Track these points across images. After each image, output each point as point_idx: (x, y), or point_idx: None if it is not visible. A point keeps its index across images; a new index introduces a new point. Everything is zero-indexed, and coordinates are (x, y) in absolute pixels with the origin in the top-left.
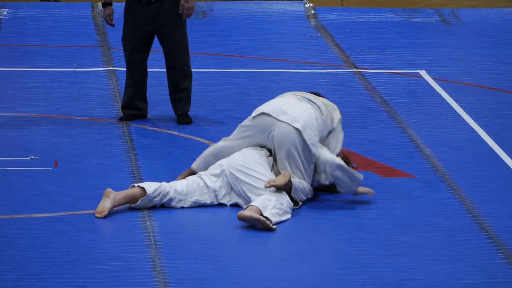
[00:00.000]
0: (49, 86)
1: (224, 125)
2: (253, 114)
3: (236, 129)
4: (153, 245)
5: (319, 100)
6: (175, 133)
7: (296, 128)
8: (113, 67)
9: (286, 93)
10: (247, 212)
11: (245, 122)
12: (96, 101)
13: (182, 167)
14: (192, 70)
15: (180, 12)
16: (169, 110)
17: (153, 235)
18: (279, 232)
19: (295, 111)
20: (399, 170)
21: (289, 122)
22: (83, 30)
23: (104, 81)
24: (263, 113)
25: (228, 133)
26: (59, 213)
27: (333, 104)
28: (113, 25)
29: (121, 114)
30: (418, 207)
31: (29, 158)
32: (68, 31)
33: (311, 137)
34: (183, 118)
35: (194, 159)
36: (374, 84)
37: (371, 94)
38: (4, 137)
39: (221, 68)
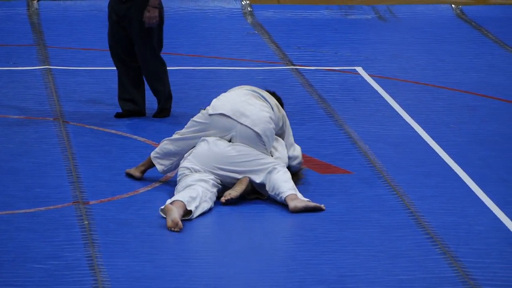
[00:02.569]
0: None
1: (161, 122)
2: (210, 111)
3: (190, 123)
4: (91, 244)
5: (272, 100)
6: (113, 131)
7: (256, 132)
8: (49, 65)
9: (241, 87)
10: (299, 204)
11: (199, 118)
12: (32, 99)
13: (120, 166)
14: None
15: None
16: (105, 108)
17: (91, 234)
18: (217, 230)
19: (253, 112)
20: (336, 167)
21: (249, 126)
22: (18, 28)
23: (40, 80)
24: (222, 114)
25: (167, 132)
26: None
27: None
28: None
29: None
30: (356, 204)
31: None
32: (4, 29)
33: (269, 141)
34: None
35: (131, 157)
36: (311, 81)
37: (308, 91)
38: None
39: None
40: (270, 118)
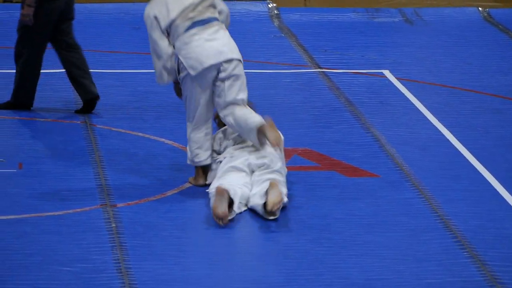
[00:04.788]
0: (11, 88)
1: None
2: (192, 73)
3: (188, 103)
4: (119, 246)
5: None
6: (140, 134)
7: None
8: None
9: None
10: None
11: (189, 90)
12: (60, 102)
13: (147, 168)
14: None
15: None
16: (132, 112)
17: (118, 236)
18: (244, 234)
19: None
20: (364, 170)
21: (233, 58)
22: None
23: (67, 83)
24: (205, 68)
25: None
26: (23, 215)
27: None
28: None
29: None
30: (383, 207)
31: None
32: None
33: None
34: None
35: (158, 160)
36: (338, 84)
37: (335, 94)
38: None
39: None
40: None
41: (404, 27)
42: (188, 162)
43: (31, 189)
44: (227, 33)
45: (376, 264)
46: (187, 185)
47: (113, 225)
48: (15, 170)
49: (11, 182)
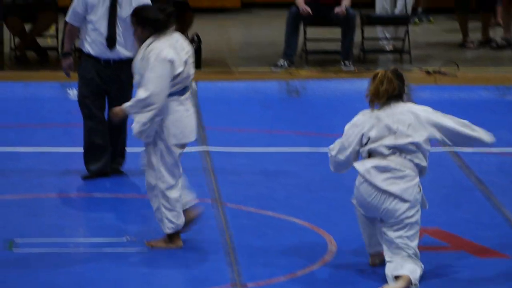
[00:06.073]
0: None
1: (318, 203)
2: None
3: None
4: None
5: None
6: (269, 213)
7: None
8: (207, 147)
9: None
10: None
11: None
12: (190, 181)
13: (276, 248)
14: (287, 149)
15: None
16: (263, 190)
17: None
18: None
19: None
20: (495, 251)
21: None
22: None
23: (198, 161)
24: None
25: (324, 213)
26: None
27: None
28: (70, 77)
29: None
30: None
31: (124, 239)
32: None
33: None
34: (113, 170)
35: (288, 240)
36: (468, 163)
37: (465, 173)
38: (99, 218)
39: (314, 147)
40: None
41: None
42: (170, 230)
43: (162, 268)
44: None
45: None
46: (319, 264)
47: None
48: (146, 249)
49: (143, 261)
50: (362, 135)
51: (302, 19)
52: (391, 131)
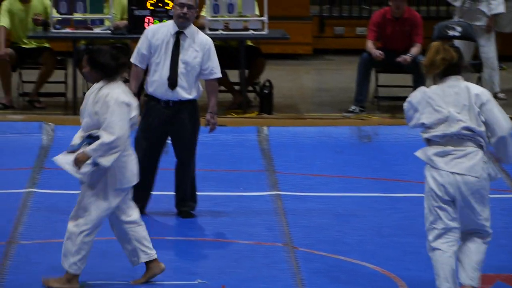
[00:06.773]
0: (215, 210)
1: (390, 248)
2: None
3: None
4: None
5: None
6: (341, 257)
7: None
8: (278, 191)
9: None
10: None
11: None
12: (262, 225)
13: None
14: (358, 194)
15: (206, 126)
16: (334, 234)
17: None
18: None
19: None
20: None
21: None
22: (249, 154)
23: (269, 205)
24: None
25: (396, 258)
26: None
27: None
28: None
29: None
30: None
31: (196, 282)
32: (235, 155)
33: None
34: (185, 214)
35: (361, 284)
36: None
37: None
38: (171, 261)
39: (385, 193)
40: None
41: None
42: (145, 260)
43: None
44: None
45: None
46: None
47: None
48: None
49: None
50: (417, 120)
51: (373, 65)
52: (442, 115)
